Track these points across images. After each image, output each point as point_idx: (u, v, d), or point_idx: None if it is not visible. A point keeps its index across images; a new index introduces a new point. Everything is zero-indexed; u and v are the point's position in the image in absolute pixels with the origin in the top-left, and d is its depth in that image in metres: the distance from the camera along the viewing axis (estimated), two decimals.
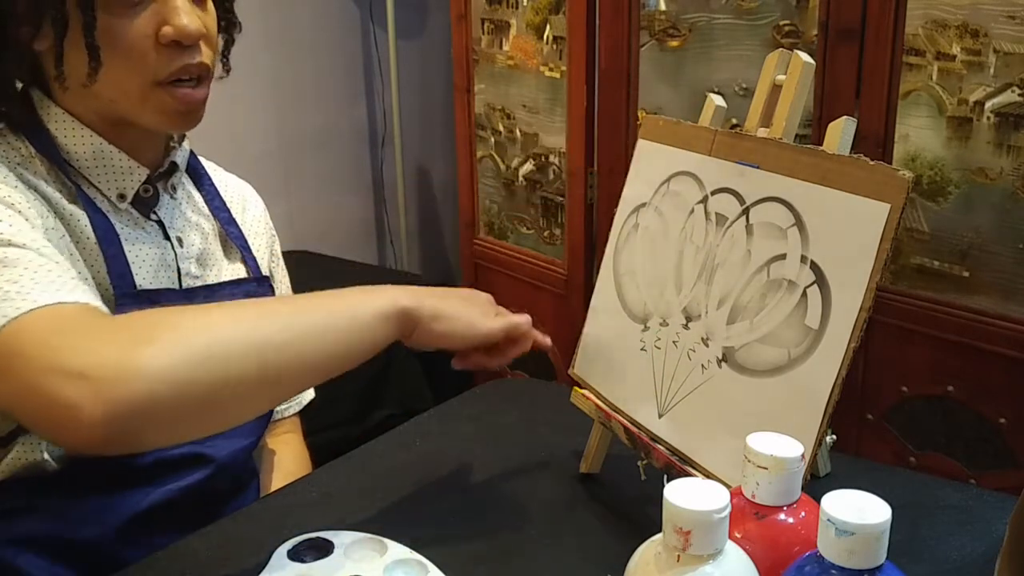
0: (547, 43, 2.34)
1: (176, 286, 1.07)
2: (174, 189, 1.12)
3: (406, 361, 2.58)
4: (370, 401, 2.48)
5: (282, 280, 1.32)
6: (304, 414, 1.37)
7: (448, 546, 0.94)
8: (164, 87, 1.00)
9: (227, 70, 1.16)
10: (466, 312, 0.98)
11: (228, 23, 1.12)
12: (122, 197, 1.05)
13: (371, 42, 3.19)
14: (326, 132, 3.15)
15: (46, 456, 0.96)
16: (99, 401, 0.72)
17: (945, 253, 1.71)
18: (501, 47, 2.47)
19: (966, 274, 1.69)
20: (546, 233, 2.49)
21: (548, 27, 2.33)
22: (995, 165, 1.62)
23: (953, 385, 1.74)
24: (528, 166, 2.50)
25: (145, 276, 1.04)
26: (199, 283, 1.10)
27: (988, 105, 1.61)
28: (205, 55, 1.02)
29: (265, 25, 2.87)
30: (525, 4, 2.37)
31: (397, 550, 0.90)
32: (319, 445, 1.64)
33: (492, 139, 2.58)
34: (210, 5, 1.05)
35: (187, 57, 1.00)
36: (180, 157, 1.12)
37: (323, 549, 0.90)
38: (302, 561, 0.88)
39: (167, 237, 1.08)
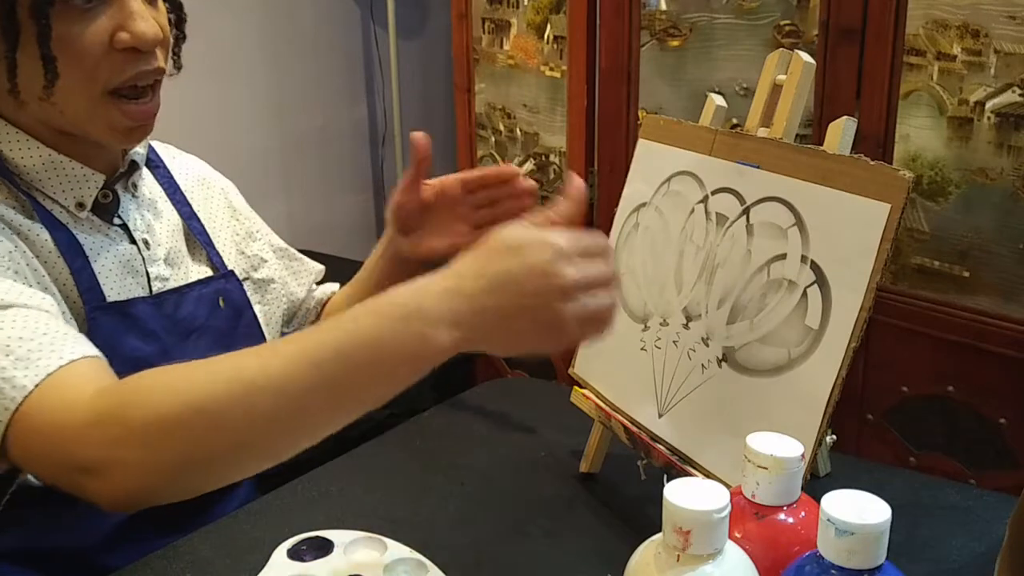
0: (548, 43, 2.34)
1: (146, 292, 1.04)
2: (135, 187, 1.08)
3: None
4: None
5: (260, 230, 1.27)
6: None
7: (448, 545, 0.94)
8: (114, 101, 0.95)
9: (178, 67, 1.09)
10: (529, 338, 0.77)
11: (178, 18, 1.07)
12: (81, 206, 1.01)
13: (371, 41, 3.19)
14: (326, 131, 3.15)
15: (30, 476, 0.94)
16: (114, 490, 0.76)
17: (945, 253, 1.71)
18: (502, 46, 2.47)
19: (966, 274, 1.69)
20: None
21: (549, 27, 2.33)
22: (995, 165, 1.62)
23: (953, 385, 1.74)
24: (529, 166, 2.50)
25: (113, 286, 1.01)
26: (168, 286, 1.07)
27: (988, 105, 1.61)
28: (160, 59, 0.98)
29: (265, 24, 2.87)
30: (526, 3, 2.37)
31: (397, 549, 0.90)
32: (319, 444, 1.63)
33: (493, 139, 2.58)
34: (161, 4, 1.00)
35: (142, 63, 0.95)
36: (139, 154, 1.08)
37: (323, 548, 0.90)
38: (302, 560, 0.88)
39: (133, 241, 1.05)
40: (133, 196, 1.08)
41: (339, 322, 0.76)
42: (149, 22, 0.94)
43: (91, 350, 0.86)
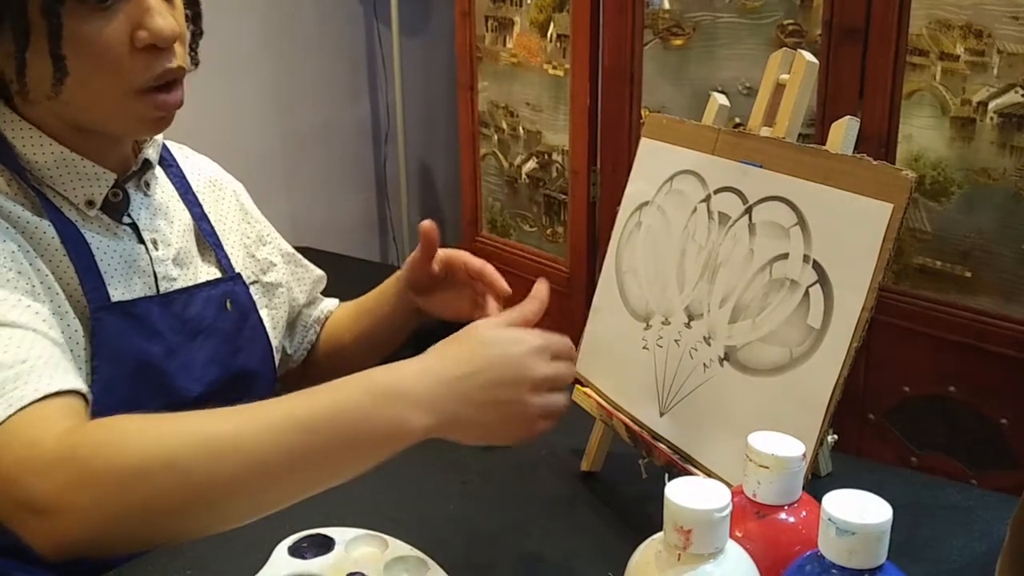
0: (551, 41, 2.34)
1: (153, 291, 1.04)
2: (147, 186, 1.08)
3: (407, 358, 2.58)
4: None
5: (269, 234, 1.27)
6: None
7: (449, 543, 0.94)
8: (141, 95, 0.95)
9: (196, 63, 1.08)
10: (497, 429, 0.84)
11: (195, 14, 1.06)
12: (91, 204, 1.00)
13: (375, 39, 3.19)
14: (329, 128, 3.15)
15: None
16: (53, 535, 0.75)
17: (947, 253, 1.71)
18: (505, 45, 2.47)
19: (968, 274, 1.69)
20: (548, 231, 2.49)
21: (552, 25, 2.32)
22: (998, 165, 1.62)
23: (954, 385, 1.74)
24: (531, 164, 2.50)
25: (118, 286, 1.00)
26: (176, 286, 1.07)
27: (991, 106, 1.61)
28: (179, 56, 0.97)
29: (268, 22, 2.87)
30: (529, 2, 2.37)
31: (398, 547, 0.90)
32: None
33: (495, 136, 2.58)
34: (178, 1, 0.99)
35: (164, 61, 0.95)
36: (152, 153, 1.08)
37: (324, 546, 0.90)
38: (303, 558, 0.88)
39: (141, 240, 1.05)
40: (145, 195, 1.08)
41: (319, 393, 0.78)
42: (167, 18, 0.94)
43: (70, 383, 0.84)
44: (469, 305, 1.17)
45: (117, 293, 1.00)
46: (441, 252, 1.16)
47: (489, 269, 1.13)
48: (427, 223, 1.12)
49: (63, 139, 0.99)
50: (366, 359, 1.32)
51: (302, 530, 0.92)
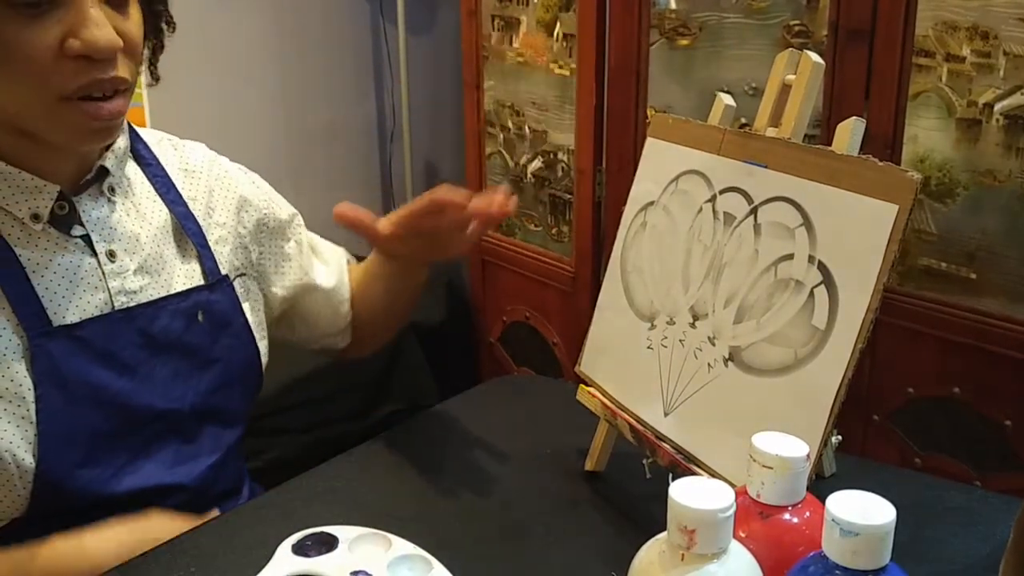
0: (557, 40, 2.34)
1: (109, 308, 0.99)
2: (112, 191, 1.02)
3: (411, 357, 2.58)
4: (375, 397, 2.48)
5: (314, 252, 1.31)
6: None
7: (452, 542, 0.94)
8: (71, 102, 0.90)
9: (156, 79, 1.04)
10: None
11: (157, 27, 1.02)
12: (36, 218, 0.96)
13: (381, 37, 3.19)
14: (335, 127, 3.15)
15: None
16: None
17: (952, 255, 1.71)
18: (511, 44, 2.47)
19: (973, 276, 1.69)
20: (554, 230, 2.49)
21: (558, 24, 2.32)
22: (1004, 167, 1.61)
23: (959, 387, 1.74)
24: (537, 163, 2.49)
25: (64, 304, 0.95)
26: (139, 299, 1.01)
27: (997, 107, 1.60)
28: (122, 68, 0.92)
29: (274, 20, 2.88)
30: (535, 1, 2.37)
31: (401, 545, 0.90)
32: (324, 440, 1.62)
33: (501, 136, 2.58)
34: (133, 10, 0.94)
35: (97, 71, 0.89)
36: (112, 161, 1.02)
37: (327, 544, 0.90)
38: (306, 556, 0.88)
39: (95, 253, 0.99)
40: (109, 200, 1.02)
41: None
42: (104, 29, 0.88)
43: None
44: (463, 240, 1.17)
45: (64, 313, 0.96)
46: (401, 217, 1.18)
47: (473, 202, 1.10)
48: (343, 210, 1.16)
49: (4, 149, 0.95)
50: (400, 318, 1.37)
51: (306, 528, 0.92)
